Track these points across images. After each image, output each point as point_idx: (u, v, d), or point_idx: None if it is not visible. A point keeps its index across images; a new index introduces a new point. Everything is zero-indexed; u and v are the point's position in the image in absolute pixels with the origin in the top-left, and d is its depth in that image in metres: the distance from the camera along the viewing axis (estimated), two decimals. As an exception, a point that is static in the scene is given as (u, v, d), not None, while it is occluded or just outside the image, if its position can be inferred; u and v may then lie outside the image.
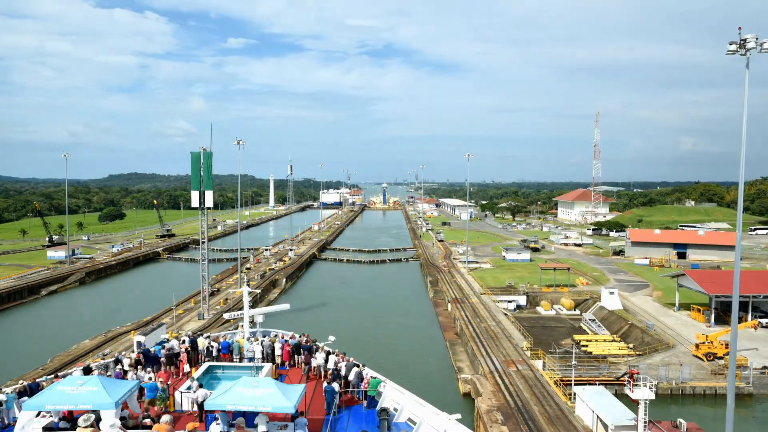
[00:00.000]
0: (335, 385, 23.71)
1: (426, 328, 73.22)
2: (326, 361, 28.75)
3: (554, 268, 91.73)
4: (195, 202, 69.65)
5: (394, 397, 24.42)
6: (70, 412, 19.16)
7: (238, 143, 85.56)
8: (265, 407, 18.34)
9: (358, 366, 26.70)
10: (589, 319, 70.25)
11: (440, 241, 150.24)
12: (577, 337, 63.66)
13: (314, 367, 28.98)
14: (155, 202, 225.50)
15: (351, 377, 25.92)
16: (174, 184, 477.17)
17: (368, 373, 26.23)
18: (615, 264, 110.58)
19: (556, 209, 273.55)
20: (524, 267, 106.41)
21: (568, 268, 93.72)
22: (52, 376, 26.97)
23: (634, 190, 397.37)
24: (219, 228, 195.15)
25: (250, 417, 18.80)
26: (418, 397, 23.08)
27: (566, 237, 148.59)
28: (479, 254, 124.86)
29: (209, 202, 69.58)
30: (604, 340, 61.82)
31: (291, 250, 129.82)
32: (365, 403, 24.66)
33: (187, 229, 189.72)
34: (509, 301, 78.12)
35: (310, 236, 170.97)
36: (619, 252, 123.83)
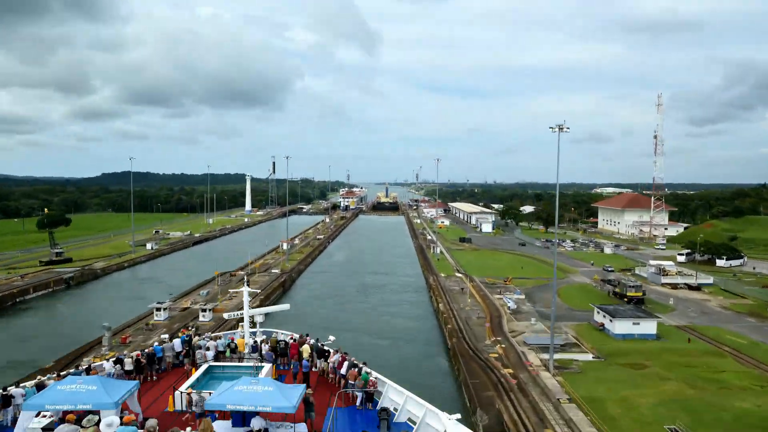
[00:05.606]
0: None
1: None
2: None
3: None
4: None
5: (394, 397, 24.15)
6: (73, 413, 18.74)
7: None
8: (264, 407, 18.45)
9: (357, 365, 26.27)
10: None
11: (463, 274, 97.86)
12: None
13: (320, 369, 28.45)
14: (46, 210, 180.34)
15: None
16: (169, 183, 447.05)
17: (368, 371, 25.61)
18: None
19: (592, 217, 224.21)
20: (655, 355, 53.87)
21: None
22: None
23: (690, 192, 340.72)
24: (149, 246, 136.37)
25: (249, 417, 18.97)
26: (418, 397, 22.54)
27: (663, 271, 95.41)
28: (541, 308, 72.20)
29: None
30: None
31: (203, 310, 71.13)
32: (363, 402, 24.55)
33: (104, 249, 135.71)
34: None
35: (274, 261, 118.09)
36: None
